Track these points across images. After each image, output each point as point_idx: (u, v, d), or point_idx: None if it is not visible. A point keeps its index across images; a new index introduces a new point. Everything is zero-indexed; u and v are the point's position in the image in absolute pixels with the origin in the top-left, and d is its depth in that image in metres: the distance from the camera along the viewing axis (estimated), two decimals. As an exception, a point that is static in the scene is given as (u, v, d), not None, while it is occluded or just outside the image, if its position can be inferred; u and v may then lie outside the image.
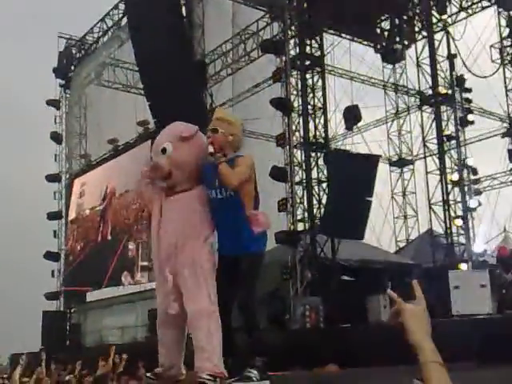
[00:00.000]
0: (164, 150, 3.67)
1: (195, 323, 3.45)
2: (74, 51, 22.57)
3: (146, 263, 18.02)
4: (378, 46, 19.60)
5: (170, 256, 3.59)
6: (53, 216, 21.91)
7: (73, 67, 22.72)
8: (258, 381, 3.37)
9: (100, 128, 21.26)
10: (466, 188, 15.00)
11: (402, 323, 1.65)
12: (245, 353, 3.58)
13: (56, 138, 22.30)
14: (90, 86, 22.28)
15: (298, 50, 16.45)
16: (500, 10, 17.16)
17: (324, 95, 16.53)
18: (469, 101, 17.76)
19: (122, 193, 19.83)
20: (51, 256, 21.42)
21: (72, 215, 22.18)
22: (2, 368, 12.04)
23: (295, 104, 16.11)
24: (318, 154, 16.12)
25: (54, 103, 22.48)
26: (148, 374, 3.67)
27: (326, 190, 15.40)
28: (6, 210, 27.35)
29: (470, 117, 17.26)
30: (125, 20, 19.51)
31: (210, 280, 3.52)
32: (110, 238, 20.08)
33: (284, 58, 15.63)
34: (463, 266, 13.55)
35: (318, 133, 16.34)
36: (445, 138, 16.04)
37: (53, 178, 22.24)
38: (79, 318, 21.20)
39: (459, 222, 14.39)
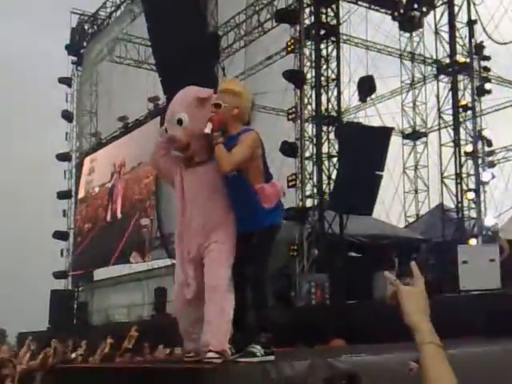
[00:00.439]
0: (180, 121, 3.47)
1: (210, 297, 3.40)
2: (86, 27, 22.49)
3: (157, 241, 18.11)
4: (396, 14, 18.98)
5: (195, 236, 3.51)
6: (63, 195, 21.98)
7: (85, 43, 22.65)
8: (261, 356, 3.31)
9: (111, 105, 21.22)
10: (479, 160, 14.55)
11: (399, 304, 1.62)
12: (250, 329, 3.53)
13: (67, 116, 22.32)
14: (101, 62, 22.18)
15: (312, 19, 16.00)
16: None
17: (338, 66, 16.06)
18: (487, 69, 17.17)
19: (135, 166, 19.79)
20: (60, 235, 21.54)
21: (81, 194, 22.30)
22: (9, 347, 12.20)
23: (308, 76, 15.74)
24: (330, 128, 15.78)
25: (65, 81, 22.47)
26: (187, 355, 3.55)
27: (337, 165, 15.13)
28: (17, 189, 27.65)
29: (488, 86, 16.69)
30: (138, -7, 19.33)
31: (231, 259, 3.47)
32: (120, 215, 20.16)
33: (298, 28, 15.26)
34: (473, 242, 13.22)
35: (330, 106, 15.95)
36: (460, 109, 15.54)
37: (63, 157, 22.29)
38: (86, 296, 21.45)
39: (471, 195, 14.00)
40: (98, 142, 22.15)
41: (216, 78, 18.13)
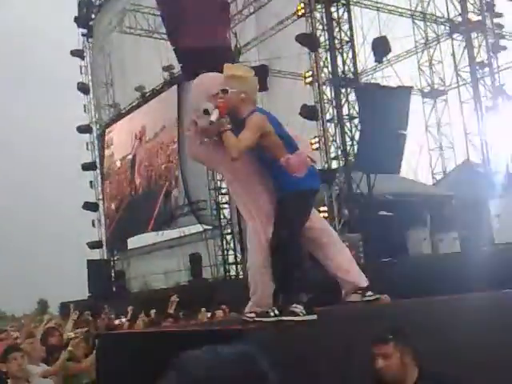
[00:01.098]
0: (206, 111, 3.59)
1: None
2: (93, -1, 22.26)
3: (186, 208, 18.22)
4: (405, -27, 18.95)
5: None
6: (87, 167, 22.18)
7: (93, 15, 22.42)
8: (303, 315, 3.42)
9: (126, 76, 21.18)
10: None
11: None
12: (291, 290, 3.60)
13: (83, 88, 22.28)
14: (112, 33, 22.01)
15: (321, -17, 15.93)
16: None
17: (351, 28, 16.09)
18: (500, 26, 17.24)
19: (157, 132, 19.84)
20: (89, 206, 21.81)
21: (104, 170, 22.41)
22: (53, 316, 12.29)
23: (321, 39, 15.76)
24: (348, 90, 15.85)
25: (78, 53, 22.38)
26: (246, 314, 3.65)
27: (359, 126, 15.24)
28: (43, 164, 27.73)
29: (503, 42, 16.79)
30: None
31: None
32: (144, 189, 20.26)
33: (308, -9, 15.23)
34: (503, 194, 13.47)
35: (346, 68, 15.99)
36: (477, 66, 15.66)
37: (84, 129, 22.34)
38: (123, 265, 21.75)
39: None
40: (118, 113, 22.12)
41: (229, 44, 18.11)
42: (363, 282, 3.91)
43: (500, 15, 17.39)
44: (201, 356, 2.47)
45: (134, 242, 21.02)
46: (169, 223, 19.04)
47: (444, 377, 2.90)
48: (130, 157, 21.04)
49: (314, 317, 3.48)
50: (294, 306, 3.49)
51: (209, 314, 9.96)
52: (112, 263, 21.68)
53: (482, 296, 5.60)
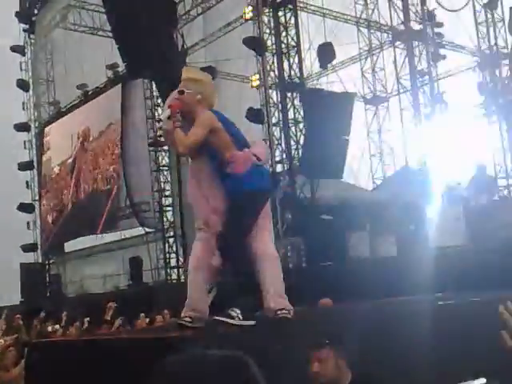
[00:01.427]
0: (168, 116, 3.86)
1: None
2: (36, -6, 21.72)
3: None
4: (350, -19, 19.31)
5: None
6: (24, 167, 21.60)
7: (36, 11, 21.90)
8: (240, 320, 3.50)
9: (68, 73, 20.78)
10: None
11: None
12: (231, 293, 3.72)
13: (23, 85, 21.72)
14: (55, 30, 21.59)
15: (268, -13, 16.08)
16: None
17: (297, 33, 16.27)
18: (440, 35, 17.77)
19: (103, 130, 19.53)
20: (25, 207, 21.21)
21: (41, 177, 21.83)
22: None
23: (268, 43, 15.91)
24: (294, 94, 16.05)
25: (18, 49, 21.79)
26: (182, 318, 3.70)
27: (304, 131, 15.46)
28: None
29: (442, 51, 17.33)
30: (89, -41, 18.81)
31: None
32: (87, 193, 19.89)
33: (255, -5, 15.36)
34: (438, 199, 13.90)
35: (292, 72, 16.19)
36: (418, 74, 16.10)
37: (22, 127, 21.79)
38: (59, 268, 21.25)
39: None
40: (58, 111, 21.64)
41: (175, 44, 18.04)
42: (278, 305, 3.82)
43: (441, 25, 17.92)
44: (187, 360, 2.47)
45: (71, 246, 20.55)
46: (112, 226, 18.77)
47: (373, 378, 3.02)
48: (70, 161, 20.63)
49: (252, 322, 3.56)
50: (231, 309, 3.58)
51: (147, 320, 9.90)
52: (47, 267, 21.19)
53: (416, 300, 5.84)
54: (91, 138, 19.99)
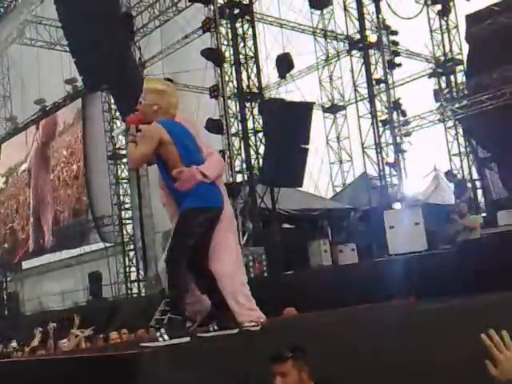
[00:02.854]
0: None
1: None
2: (-8, 9, 21.43)
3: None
4: (305, -9, 19.42)
5: None
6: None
7: (-7, 26, 21.57)
8: (164, 340, 3.42)
9: (25, 89, 20.57)
10: (396, 130, 15.42)
11: None
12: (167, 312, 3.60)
13: (-21, 101, 21.40)
14: (11, 45, 21.31)
15: (226, -1, 16.12)
16: None
17: (255, 44, 16.33)
18: (396, 43, 18.02)
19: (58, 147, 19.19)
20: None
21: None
22: None
23: (227, 54, 15.92)
24: (253, 104, 16.09)
25: (-26, 65, 21.47)
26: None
27: (263, 140, 15.49)
28: None
29: (398, 59, 17.58)
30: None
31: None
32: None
33: (212, 8, 15.36)
34: (397, 206, 14.07)
35: (251, 82, 16.23)
36: (374, 82, 16.30)
37: (-22, 144, 21.49)
38: (16, 286, 20.95)
39: (391, 160, 14.87)
40: (15, 127, 21.36)
41: (132, 57, 17.96)
42: (247, 317, 3.87)
43: (396, 33, 18.18)
44: None
45: (28, 262, 20.24)
46: (80, 241, 18.54)
47: None
48: (22, 168, 20.33)
49: (179, 340, 3.42)
50: (159, 330, 3.51)
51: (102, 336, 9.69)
52: (4, 284, 20.84)
53: (376, 306, 5.87)
54: (51, 153, 19.73)
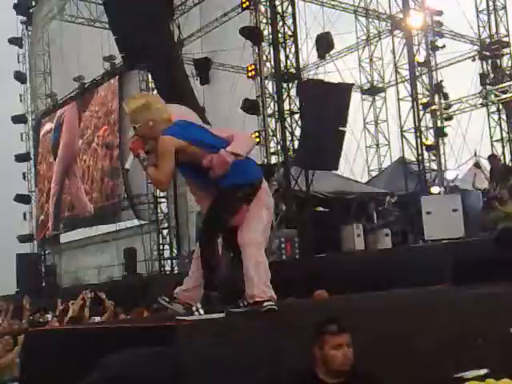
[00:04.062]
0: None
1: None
2: (33, -13, 21.72)
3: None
4: (349, -31, 18.99)
5: None
6: (21, 158, 21.71)
7: (34, 3, 21.87)
8: (199, 315, 3.46)
9: (65, 65, 20.75)
10: (437, 113, 15.00)
11: None
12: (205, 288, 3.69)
13: (20, 77, 21.78)
14: (52, 21, 21.55)
15: (266, -24, 15.85)
16: None
17: (294, 23, 16.02)
18: (440, 24, 17.50)
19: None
20: (22, 199, 21.31)
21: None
22: None
23: (265, 33, 15.70)
24: (290, 85, 15.86)
25: (16, 41, 21.85)
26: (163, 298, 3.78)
27: (299, 122, 15.28)
28: None
29: (442, 41, 17.08)
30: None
31: None
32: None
33: (252, -15, 15.15)
34: (435, 190, 13.72)
35: (289, 63, 15.98)
36: (416, 64, 15.86)
37: (19, 119, 21.86)
38: (54, 259, 21.32)
39: (430, 142, 14.49)
40: (54, 103, 21.62)
41: (172, 35, 17.88)
42: (262, 294, 3.74)
43: (440, 13, 17.66)
44: (122, 356, 2.47)
45: (66, 236, 20.65)
46: (113, 218, 18.83)
47: (374, 377, 2.95)
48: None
49: (214, 316, 3.45)
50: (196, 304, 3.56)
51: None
52: (43, 258, 21.23)
53: (410, 292, 5.72)
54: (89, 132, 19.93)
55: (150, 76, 18.47)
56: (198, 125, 3.87)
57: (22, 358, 4.32)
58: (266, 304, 3.62)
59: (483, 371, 2.82)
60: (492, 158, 11.65)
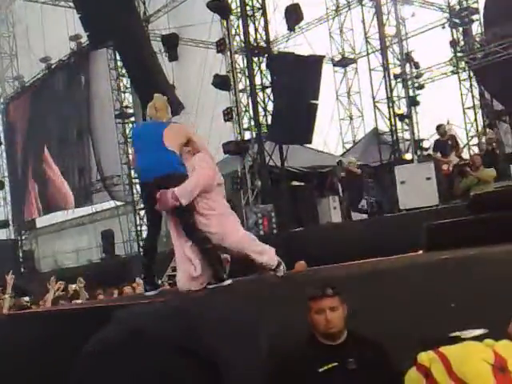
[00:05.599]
0: None
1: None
2: (-7, -35, 21.06)
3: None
4: None
5: None
6: (-10, 143, 21.29)
7: (-6, -17, 21.24)
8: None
9: (31, 46, 20.28)
10: (409, 82, 14.97)
11: None
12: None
13: (-14, 60, 21.23)
14: (16, 2, 20.99)
15: None
16: None
17: (262, -6, 15.80)
18: (408, -9, 17.36)
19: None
20: (-6, 184, 20.98)
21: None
22: None
23: (233, 6, 15.45)
24: (261, 59, 15.68)
25: (-22, 24, 21.24)
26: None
27: (271, 96, 15.15)
28: None
29: (411, 9, 16.99)
30: None
31: None
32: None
33: (217, -43, 14.85)
34: (408, 156, 13.76)
35: (258, 36, 15.78)
36: (386, 33, 15.78)
37: (-13, 104, 21.43)
38: (31, 244, 21.15)
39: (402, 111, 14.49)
40: (22, 86, 21.18)
41: (137, 11, 17.52)
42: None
43: (409, -19, 17.51)
44: (138, 310, 2.42)
45: (42, 221, 20.46)
46: (85, 200, 18.64)
47: (368, 338, 2.98)
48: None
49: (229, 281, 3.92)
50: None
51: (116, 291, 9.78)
52: (20, 243, 21.07)
53: (385, 261, 5.74)
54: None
55: (117, 54, 18.14)
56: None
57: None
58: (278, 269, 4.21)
59: (480, 331, 2.82)
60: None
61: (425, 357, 2.50)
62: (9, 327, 3.94)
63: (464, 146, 14.70)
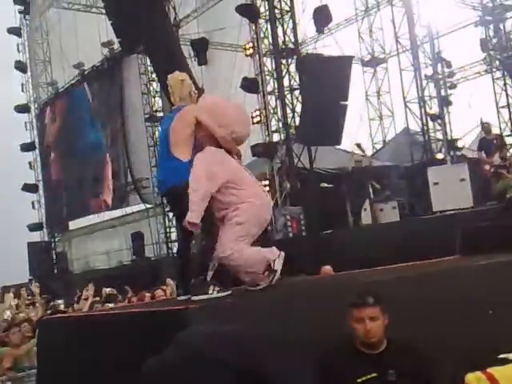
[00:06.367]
0: None
1: None
2: (29, -25, 21.58)
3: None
4: None
5: None
6: (26, 147, 21.78)
7: (30, -9, 21.76)
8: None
9: (64, 53, 20.70)
10: (441, 82, 14.69)
11: None
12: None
13: (21, 67, 21.86)
14: (49, 9, 21.51)
15: (259, -48, 15.57)
16: None
17: (291, -3, 15.80)
18: (441, -10, 17.05)
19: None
20: (29, 188, 21.42)
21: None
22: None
23: (262, 9, 15.48)
24: (289, 61, 15.65)
25: (15, 31, 21.86)
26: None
27: (300, 98, 15.07)
28: None
29: (443, 7, 16.66)
30: None
31: None
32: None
33: (246, -39, 14.91)
34: (440, 156, 13.46)
35: (287, 38, 15.78)
36: (417, 32, 15.51)
37: (22, 109, 21.90)
38: (64, 246, 21.58)
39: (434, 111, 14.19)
40: (56, 91, 21.61)
41: (168, 17, 17.68)
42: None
43: (441, -21, 17.19)
44: (198, 332, 2.35)
45: (75, 223, 20.83)
46: (121, 203, 18.90)
47: (409, 349, 2.96)
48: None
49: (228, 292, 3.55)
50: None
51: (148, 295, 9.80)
52: (53, 245, 21.44)
53: (421, 265, 5.57)
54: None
55: (148, 60, 18.34)
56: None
57: (38, 345, 4.33)
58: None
59: None
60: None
61: (472, 377, 2.43)
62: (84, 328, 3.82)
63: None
